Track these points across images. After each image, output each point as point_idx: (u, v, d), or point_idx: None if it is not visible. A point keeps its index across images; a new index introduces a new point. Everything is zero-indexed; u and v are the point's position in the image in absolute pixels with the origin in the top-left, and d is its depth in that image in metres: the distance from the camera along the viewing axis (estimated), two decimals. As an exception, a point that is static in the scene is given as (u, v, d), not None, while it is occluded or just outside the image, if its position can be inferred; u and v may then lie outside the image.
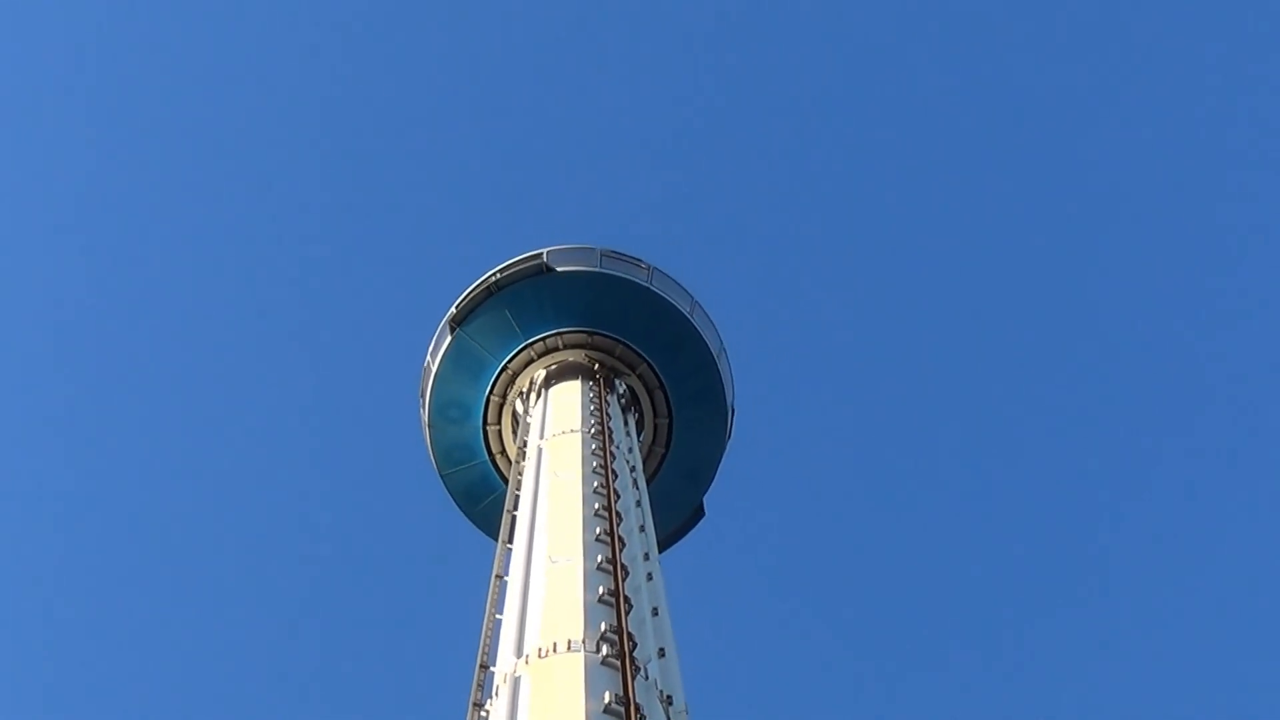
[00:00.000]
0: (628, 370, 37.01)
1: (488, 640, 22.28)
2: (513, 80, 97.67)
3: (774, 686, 78.55)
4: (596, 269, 37.57)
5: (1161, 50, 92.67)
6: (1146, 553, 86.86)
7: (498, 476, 37.68)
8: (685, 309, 37.81)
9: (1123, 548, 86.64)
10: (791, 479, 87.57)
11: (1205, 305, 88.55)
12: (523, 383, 36.98)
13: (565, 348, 36.92)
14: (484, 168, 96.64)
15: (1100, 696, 79.29)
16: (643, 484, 31.35)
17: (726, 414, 39.07)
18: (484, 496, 38.26)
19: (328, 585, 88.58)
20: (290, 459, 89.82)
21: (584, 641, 20.11)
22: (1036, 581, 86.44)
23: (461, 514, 39.56)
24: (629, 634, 20.71)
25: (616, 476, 28.89)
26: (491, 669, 21.03)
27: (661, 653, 21.93)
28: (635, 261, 37.99)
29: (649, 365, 37.22)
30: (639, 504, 29.07)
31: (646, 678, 20.21)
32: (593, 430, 31.30)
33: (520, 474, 30.43)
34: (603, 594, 21.97)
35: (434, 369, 38.15)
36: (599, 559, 23.50)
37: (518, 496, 29.02)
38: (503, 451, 37.68)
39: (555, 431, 31.48)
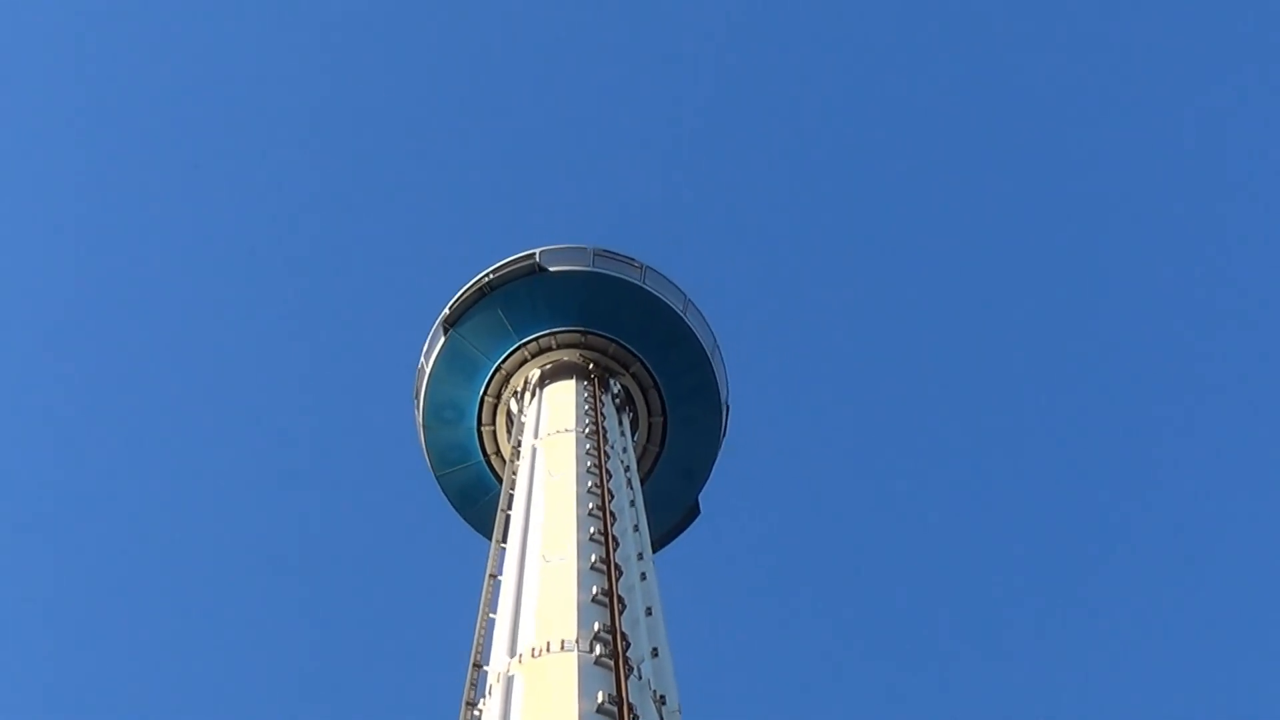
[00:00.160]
0: (621, 369, 37.02)
1: (481, 639, 22.34)
2: (504, 79, 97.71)
3: (768, 686, 78.61)
4: (589, 268, 37.59)
5: (1158, 50, 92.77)
6: (1145, 551, 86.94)
7: (493, 477, 37.70)
8: (679, 307, 37.84)
9: (1121, 545, 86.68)
10: (787, 476, 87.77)
11: (1205, 303, 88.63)
12: (517, 382, 37.00)
13: (559, 347, 36.94)
14: (476, 168, 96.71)
15: (1098, 695, 79.41)
16: (637, 483, 31.39)
17: (721, 412, 39.09)
18: (479, 497, 38.28)
19: (322, 585, 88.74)
20: (286, 460, 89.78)
21: (577, 641, 20.13)
22: (1034, 579, 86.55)
23: (457, 515, 39.59)
24: (623, 634, 20.72)
25: (611, 476, 28.92)
26: (485, 668, 21.08)
27: (655, 653, 21.95)
28: (628, 260, 38.02)
29: (642, 364, 37.26)
30: (633, 504, 29.09)
31: (640, 678, 20.22)
32: (587, 430, 31.34)
33: (514, 473, 30.47)
34: (596, 594, 21.99)
35: (428, 370, 38.18)
36: (593, 558, 23.53)
37: (512, 496, 29.08)
38: (497, 452, 37.70)
39: (550, 431, 31.52)
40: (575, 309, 37.26)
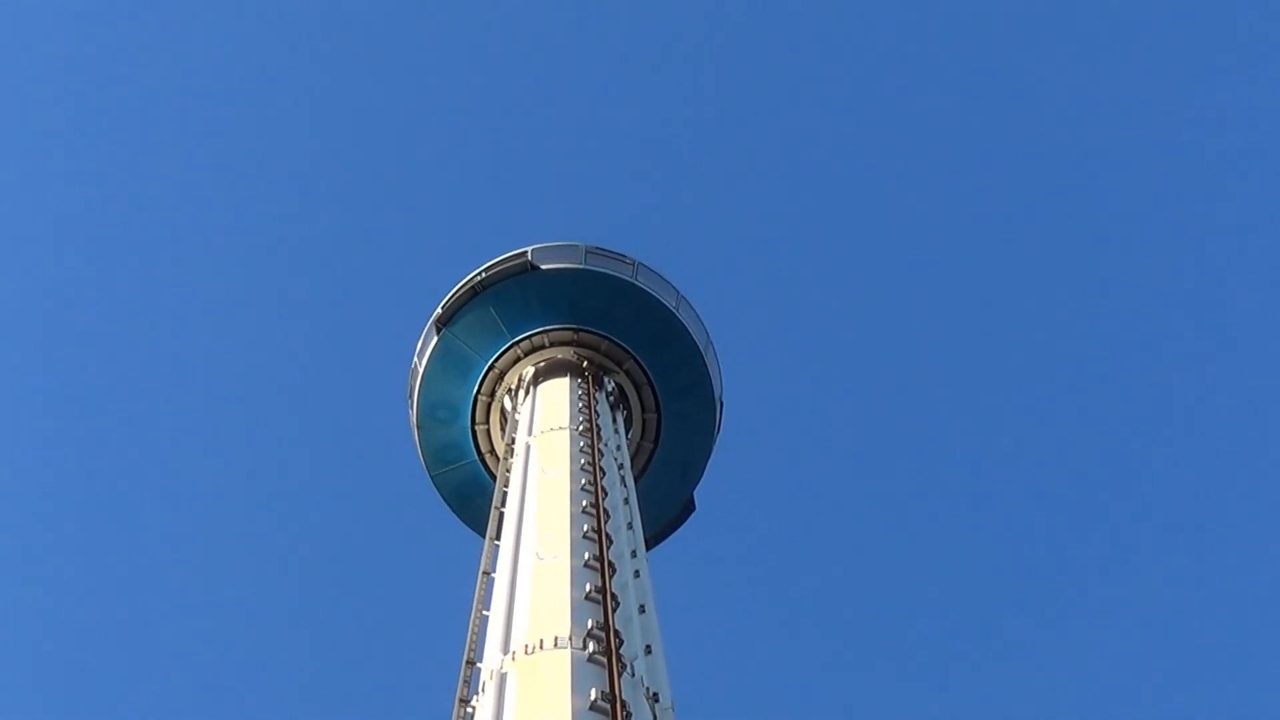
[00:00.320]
0: (615, 366, 37.03)
1: (475, 637, 22.38)
2: (495, 79, 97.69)
3: (761, 684, 78.63)
4: (581, 265, 37.61)
5: (1154, 48, 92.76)
6: (1144, 550, 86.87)
7: (487, 476, 37.68)
8: (671, 303, 37.84)
9: (1119, 542, 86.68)
10: (781, 472, 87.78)
11: (1204, 303, 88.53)
12: (511, 380, 37.00)
13: (552, 345, 36.96)
14: (467, 167, 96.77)
15: (1096, 693, 79.38)
16: (630, 481, 31.41)
17: (715, 407, 39.12)
18: (474, 496, 38.24)
19: (318, 584, 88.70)
20: (281, 461, 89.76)
21: (570, 638, 20.19)
22: (1030, 577, 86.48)
23: (452, 514, 39.59)
24: (615, 631, 20.78)
25: (604, 474, 28.96)
26: (478, 665, 21.11)
27: (648, 650, 21.99)
28: (620, 257, 38.02)
29: (636, 360, 37.26)
30: (627, 501, 29.13)
31: (633, 675, 20.27)
32: (581, 427, 31.35)
33: (508, 471, 30.50)
34: (590, 591, 22.04)
35: (421, 370, 38.17)
36: (586, 556, 23.57)
37: (505, 493, 29.12)
38: (492, 450, 37.71)
39: (543, 428, 31.53)
40: (568, 306, 37.28)
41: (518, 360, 37.04)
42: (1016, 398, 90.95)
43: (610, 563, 23.65)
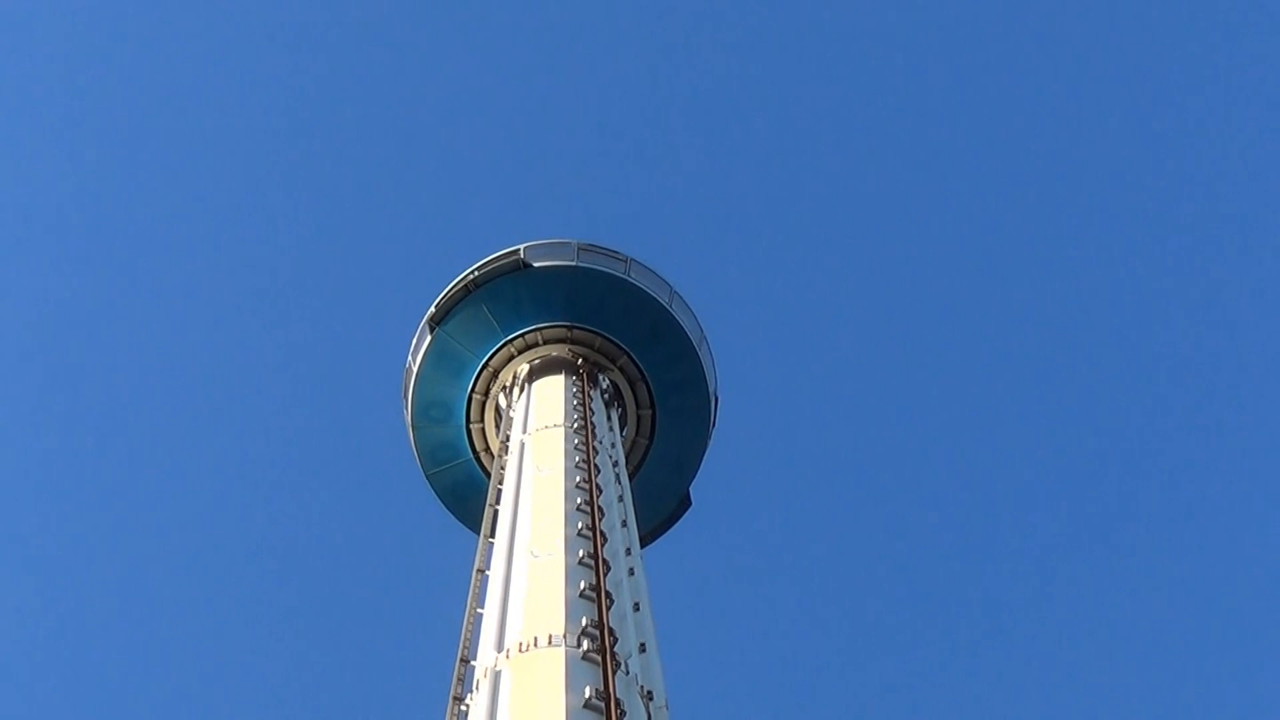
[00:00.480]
0: (609, 363, 36.99)
1: (469, 635, 22.33)
2: (485, 76, 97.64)
3: (757, 681, 78.59)
4: (574, 263, 37.57)
5: (1149, 48, 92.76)
6: (1142, 549, 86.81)
7: (482, 474, 37.65)
8: (664, 299, 37.80)
9: (1118, 539, 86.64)
10: (777, 466, 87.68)
11: (1203, 302, 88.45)
12: (505, 378, 36.98)
13: (545, 343, 36.93)
14: (459, 166, 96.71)
15: (1092, 693, 79.36)
16: (625, 479, 31.38)
17: (710, 403, 39.11)
18: (470, 494, 38.21)
19: (312, 583, 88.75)
20: (276, 462, 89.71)
21: (565, 636, 20.15)
22: (1026, 575, 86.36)
23: (449, 512, 39.56)
24: (610, 629, 20.72)
25: (599, 471, 28.92)
26: (472, 663, 21.07)
27: (642, 648, 21.98)
28: (613, 254, 37.99)
29: (630, 357, 37.22)
30: (621, 499, 29.10)
31: (627, 673, 20.22)
32: (575, 425, 31.31)
33: (503, 468, 30.46)
34: (584, 589, 22.00)
35: (415, 369, 38.13)
36: (580, 554, 23.54)
37: (500, 491, 29.06)
38: (487, 449, 37.69)
39: (538, 426, 31.49)
40: (561, 304, 37.25)
41: (511, 358, 37.02)
42: (1011, 391, 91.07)
43: (605, 560, 23.61)
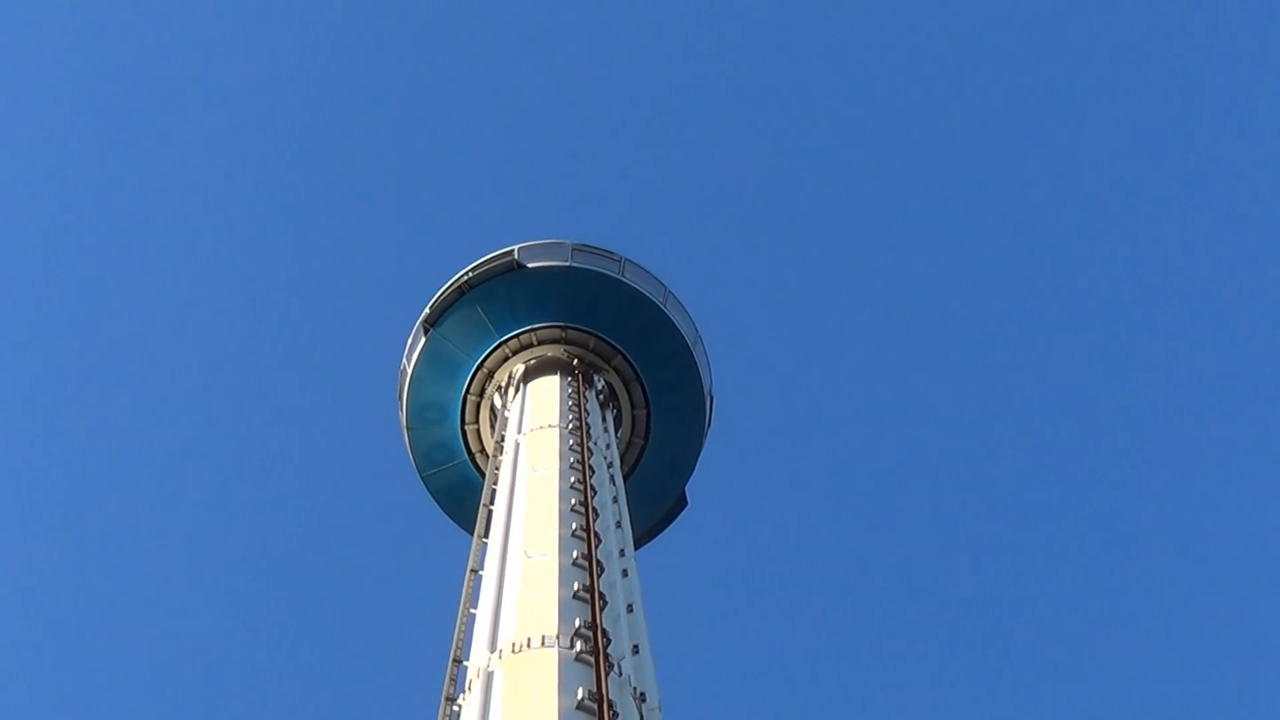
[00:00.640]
0: (603, 363, 36.97)
1: (462, 635, 22.30)
2: (480, 77, 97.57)
3: (750, 683, 78.50)
4: (568, 263, 37.54)
5: (1149, 48, 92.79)
6: (1139, 546, 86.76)
7: (478, 475, 37.61)
8: (658, 299, 37.78)
9: (1116, 538, 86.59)
10: (773, 466, 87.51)
11: (1202, 301, 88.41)
12: (500, 378, 36.95)
13: (540, 343, 36.91)
14: (453, 167, 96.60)
15: (1092, 693, 79.32)
16: (619, 480, 31.39)
17: (705, 402, 39.07)
18: (465, 495, 38.18)
19: (307, 583, 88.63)
20: (272, 463, 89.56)
21: (558, 637, 20.18)
22: (1023, 575, 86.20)
23: (444, 513, 39.54)
24: (603, 630, 20.75)
25: (594, 472, 28.91)
26: (465, 663, 21.03)
27: (635, 649, 21.96)
28: (607, 254, 37.97)
29: (624, 357, 37.20)
30: (615, 500, 29.08)
31: (620, 674, 20.23)
32: (570, 426, 31.30)
33: (497, 469, 30.45)
34: (578, 590, 22.03)
35: (410, 371, 38.11)
36: (574, 555, 23.55)
37: (494, 491, 29.04)
38: (482, 450, 37.65)
39: (533, 426, 31.48)
40: (555, 304, 37.22)
41: (506, 359, 36.99)
42: (1008, 389, 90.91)
43: (598, 561, 23.62)
